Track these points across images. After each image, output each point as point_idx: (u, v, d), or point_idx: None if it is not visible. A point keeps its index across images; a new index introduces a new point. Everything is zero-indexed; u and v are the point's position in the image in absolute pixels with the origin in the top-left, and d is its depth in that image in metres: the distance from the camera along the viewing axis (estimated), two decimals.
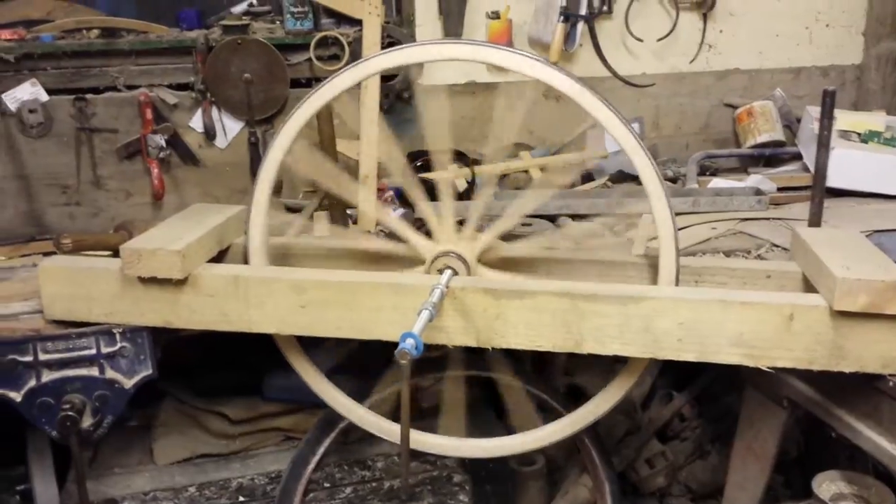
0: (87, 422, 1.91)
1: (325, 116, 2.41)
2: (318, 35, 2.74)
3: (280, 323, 1.85)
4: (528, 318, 1.74)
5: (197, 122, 2.72)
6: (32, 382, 1.88)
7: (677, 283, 1.80)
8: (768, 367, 1.68)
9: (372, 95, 2.71)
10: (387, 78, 2.81)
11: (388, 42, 2.78)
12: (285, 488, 2.21)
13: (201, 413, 2.43)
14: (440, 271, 1.84)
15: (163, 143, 2.65)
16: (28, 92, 2.56)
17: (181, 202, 2.75)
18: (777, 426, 2.04)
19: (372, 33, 2.77)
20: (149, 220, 2.33)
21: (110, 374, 1.92)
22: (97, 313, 1.91)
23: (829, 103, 2.07)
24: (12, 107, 2.56)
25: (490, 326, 1.77)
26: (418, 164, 2.80)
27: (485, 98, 2.97)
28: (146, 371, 1.94)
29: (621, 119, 1.76)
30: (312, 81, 2.78)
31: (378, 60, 1.85)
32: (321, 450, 2.23)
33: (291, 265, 2.04)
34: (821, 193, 2.13)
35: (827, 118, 2.08)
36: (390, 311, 1.78)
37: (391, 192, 2.77)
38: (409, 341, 1.45)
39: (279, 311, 1.83)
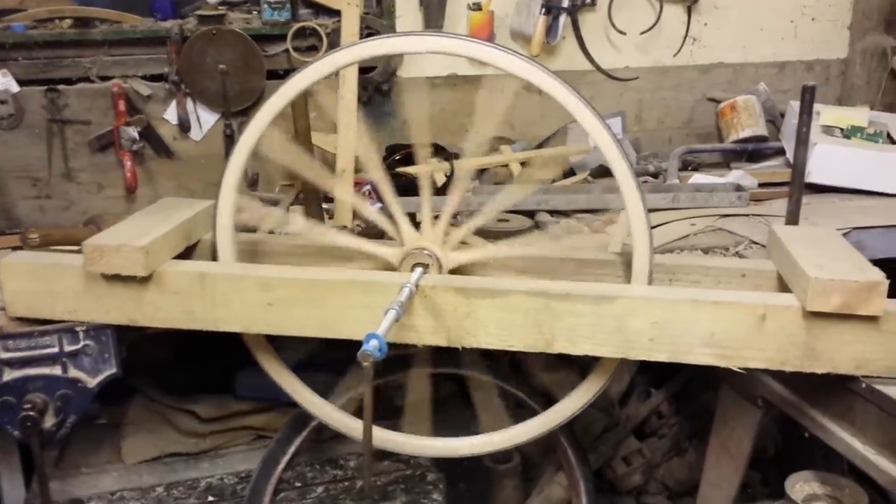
0: (49, 422, 1.88)
1: (300, 108, 2.37)
2: (296, 26, 2.70)
3: (247, 321, 1.82)
4: (500, 318, 1.72)
5: (171, 113, 2.68)
6: None
7: (650, 281, 1.77)
8: (740, 368, 1.66)
9: (350, 87, 2.67)
10: (366, 70, 2.77)
11: (367, 33, 2.74)
12: (255, 488, 2.18)
13: (171, 411, 2.39)
14: (413, 269, 1.81)
15: (136, 135, 2.61)
16: None
17: (155, 195, 2.70)
18: (752, 425, 2.02)
19: (350, 24, 2.73)
20: (120, 214, 2.29)
21: (73, 372, 1.89)
22: (60, 311, 1.87)
23: (808, 99, 2.04)
24: None
25: (460, 326, 1.74)
26: (397, 157, 2.78)
27: (466, 91, 2.94)
28: (111, 370, 1.90)
29: (591, 110, 1.73)
30: (290, 73, 2.73)
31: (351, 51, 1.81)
32: (292, 449, 2.20)
33: (263, 262, 2.01)
34: (799, 190, 2.10)
35: (806, 114, 2.05)
36: (359, 309, 1.75)
37: (368, 187, 2.74)
38: (373, 343, 1.42)
39: (246, 309, 1.80)
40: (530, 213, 2.53)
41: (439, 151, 2.82)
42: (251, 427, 2.36)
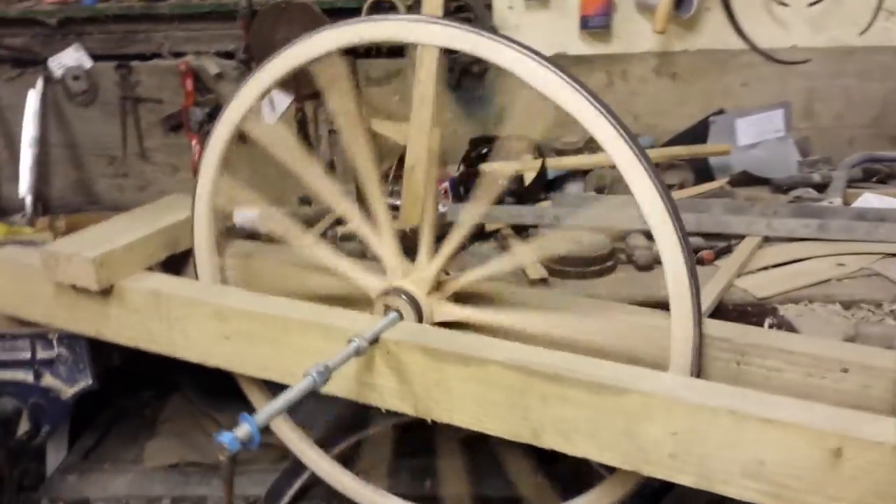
0: (22, 428, 1.75)
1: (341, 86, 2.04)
2: None
3: (203, 353, 1.56)
4: (476, 392, 1.30)
5: None
6: None
7: (696, 366, 1.26)
8: None
9: (427, 70, 2.29)
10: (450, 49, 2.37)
11: (457, 7, 2.34)
12: None
13: (204, 416, 2.21)
14: (386, 312, 1.43)
15: (204, 116, 2.43)
16: (72, 57, 2.44)
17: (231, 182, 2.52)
18: None
19: None
20: None
21: (48, 381, 1.75)
22: (37, 314, 1.73)
23: None
24: (58, 72, 2.45)
25: (429, 395, 1.35)
26: (483, 151, 2.38)
27: (577, 74, 2.43)
28: (86, 381, 1.74)
29: (589, 96, 1.24)
30: (370, 52, 2.42)
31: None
32: (298, 483, 1.94)
33: (254, 273, 1.73)
34: None
35: None
36: (317, 356, 1.40)
37: (446, 184, 2.36)
38: (242, 430, 1.08)
39: (203, 338, 1.54)
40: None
41: (532, 147, 2.38)
42: (277, 446, 2.12)
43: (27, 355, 1.73)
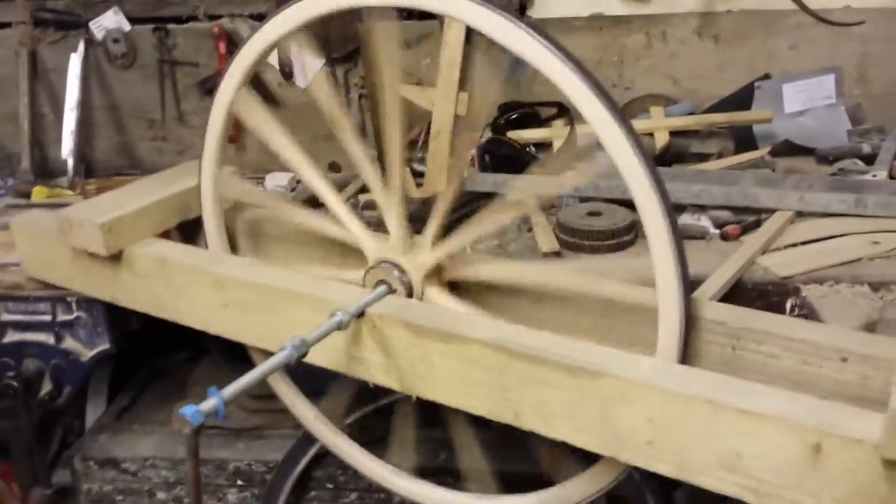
0: (45, 389, 1.82)
1: (372, 55, 2.01)
2: None
3: (206, 320, 1.58)
4: (459, 370, 1.29)
5: (275, 58, 2.46)
6: None
7: (683, 351, 1.21)
8: None
9: (455, 33, 2.24)
10: None
11: None
12: (273, 484, 1.99)
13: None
14: (376, 285, 1.42)
15: None
16: (112, 20, 2.48)
17: (261, 145, 2.54)
18: None
19: None
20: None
21: (68, 343, 1.81)
22: (58, 277, 1.78)
23: None
24: (98, 35, 2.50)
25: (413, 370, 1.34)
26: (513, 117, 2.32)
27: (614, 35, 2.35)
28: (104, 345, 1.80)
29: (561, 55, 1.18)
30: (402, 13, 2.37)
31: None
32: (313, 450, 1.96)
33: (263, 245, 1.75)
34: None
35: None
36: (308, 327, 1.39)
37: (473, 152, 2.32)
38: (209, 403, 1.09)
39: (204, 305, 1.56)
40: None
41: (562, 112, 2.32)
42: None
43: (48, 318, 1.79)
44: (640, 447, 1.15)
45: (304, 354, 1.23)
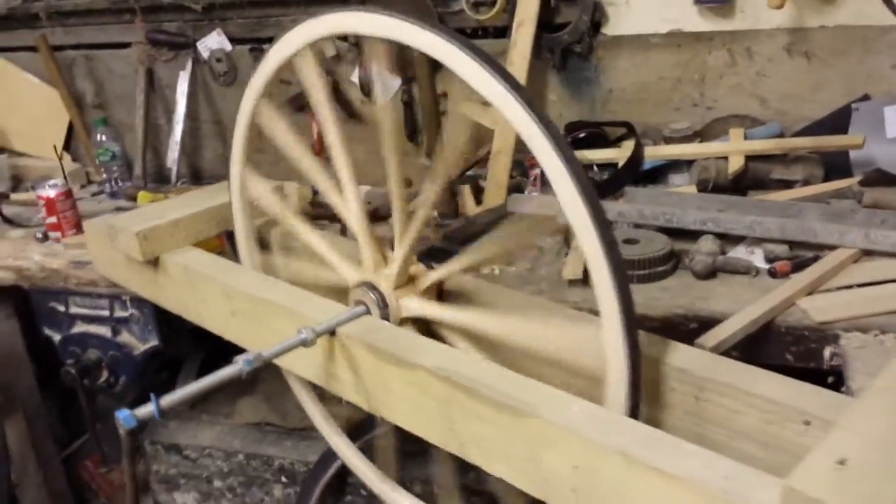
0: (102, 377, 1.99)
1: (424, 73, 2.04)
2: None
3: (221, 327, 1.66)
4: (412, 396, 1.28)
5: (356, 76, 2.55)
6: (66, 330, 2.01)
7: (633, 395, 1.13)
8: None
9: (520, 50, 2.22)
10: (553, 27, 2.27)
11: None
12: (305, 485, 2.06)
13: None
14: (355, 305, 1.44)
15: None
16: (215, 41, 2.66)
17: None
18: None
19: None
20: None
21: (123, 337, 1.96)
22: (119, 277, 1.94)
23: None
24: (204, 54, 2.69)
25: (376, 392, 1.34)
26: (580, 136, 2.26)
27: (694, 52, 2.22)
28: (154, 341, 1.94)
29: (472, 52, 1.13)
30: (477, 32, 2.38)
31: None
32: None
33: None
34: None
35: None
36: None
37: (538, 171, 2.28)
38: (144, 410, 1.14)
39: (218, 313, 1.65)
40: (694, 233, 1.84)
41: (631, 133, 2.22)
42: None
43: (107, 313, 1.96)
44: (566, 494, 1.09)
45: (257, 368, 1.26)
